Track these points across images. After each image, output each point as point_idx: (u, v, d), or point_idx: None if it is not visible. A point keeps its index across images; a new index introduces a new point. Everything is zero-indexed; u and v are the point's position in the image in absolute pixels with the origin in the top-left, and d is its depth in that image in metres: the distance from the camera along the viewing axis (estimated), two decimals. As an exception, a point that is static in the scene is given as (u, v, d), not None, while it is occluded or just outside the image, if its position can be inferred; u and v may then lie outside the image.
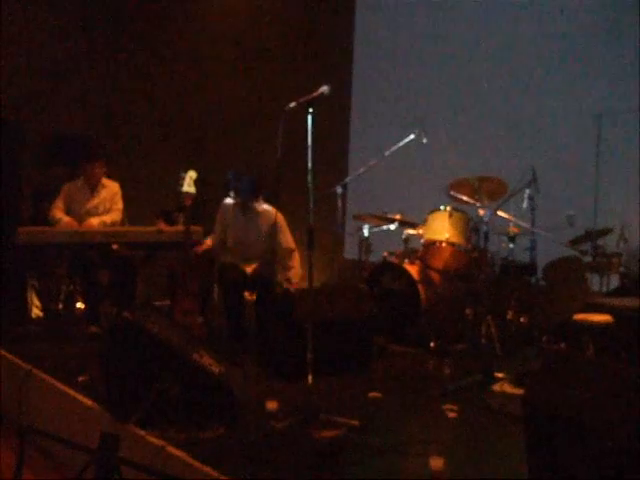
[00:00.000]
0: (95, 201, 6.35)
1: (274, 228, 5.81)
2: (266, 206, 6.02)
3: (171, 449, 3.47)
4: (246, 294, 5.91)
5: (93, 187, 6.35)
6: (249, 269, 5.90)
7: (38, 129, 7.45)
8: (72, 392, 4.35)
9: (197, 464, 3.33)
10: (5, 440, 4.29)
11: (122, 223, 6.46)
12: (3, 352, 5.18)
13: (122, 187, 6.50)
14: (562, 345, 5.42)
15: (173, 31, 8.67)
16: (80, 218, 6.18)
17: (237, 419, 3.88)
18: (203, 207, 6.29)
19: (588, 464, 2.80)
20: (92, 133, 7.84)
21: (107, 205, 6.37)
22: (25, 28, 7.52)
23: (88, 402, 4.16)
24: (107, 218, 6.27)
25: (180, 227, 6.04)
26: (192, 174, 5.56)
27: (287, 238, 5.99)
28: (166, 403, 3.73)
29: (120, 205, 6.43)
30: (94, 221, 6.16)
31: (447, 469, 3.29)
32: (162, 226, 6.17)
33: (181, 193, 5.46)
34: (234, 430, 3.78)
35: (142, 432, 3.65)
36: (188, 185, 5.51)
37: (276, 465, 3.42)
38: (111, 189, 6.42)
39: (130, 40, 8.30)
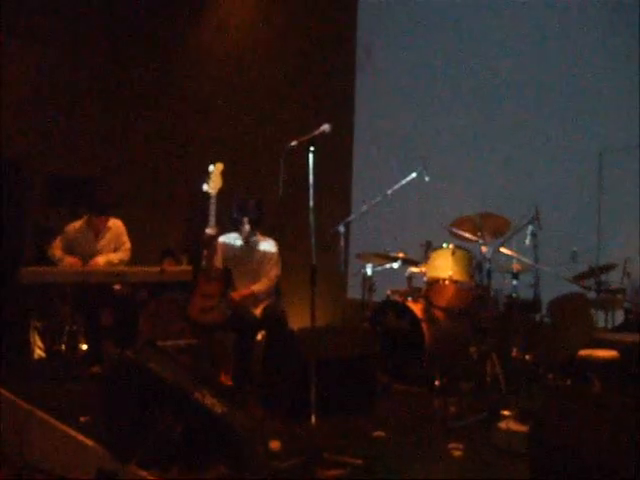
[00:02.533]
0: (100, 244, 6.26)
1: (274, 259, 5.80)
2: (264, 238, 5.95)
3: (173, 489, 3.43)
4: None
5: (97, 232, 6.28)
6: (257, 310, 5.74)
7: (43, 169, 7.49)
8: (74, 432, 4.30)
9: (199, 504, 3.29)
10: (6, 481, 4.25)
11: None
12: (5, 392, 5.12)
13: (127, 225, 6.43)
14: (568, 382, 5.38)
15: (176, 70, 8.77)
16: (84, 260, 6.10)
17: (240, 459, 3.84)
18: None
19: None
20: (99, 175, 7.86)
21: (112, 246, 6.29)
22: (30, 69, 7.62)
23: (90, 442, 4.12)
24: (114, 257, 6.21)
25: (184, 267, 6.01)
26: (219, 166, 5.44)
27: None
28: (168, 443, 3.70)
29: (128, 244, 6.36)
30: (101, 260, 6.10)
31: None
32: (169, 265, 6.12)
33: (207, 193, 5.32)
34: (237, 470, 3.73)
35: (144, 472, 3.61)
36: (214, 180, 5.38)
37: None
38: (115, 229, 6.34)
39: (135, 82, 8.40)
